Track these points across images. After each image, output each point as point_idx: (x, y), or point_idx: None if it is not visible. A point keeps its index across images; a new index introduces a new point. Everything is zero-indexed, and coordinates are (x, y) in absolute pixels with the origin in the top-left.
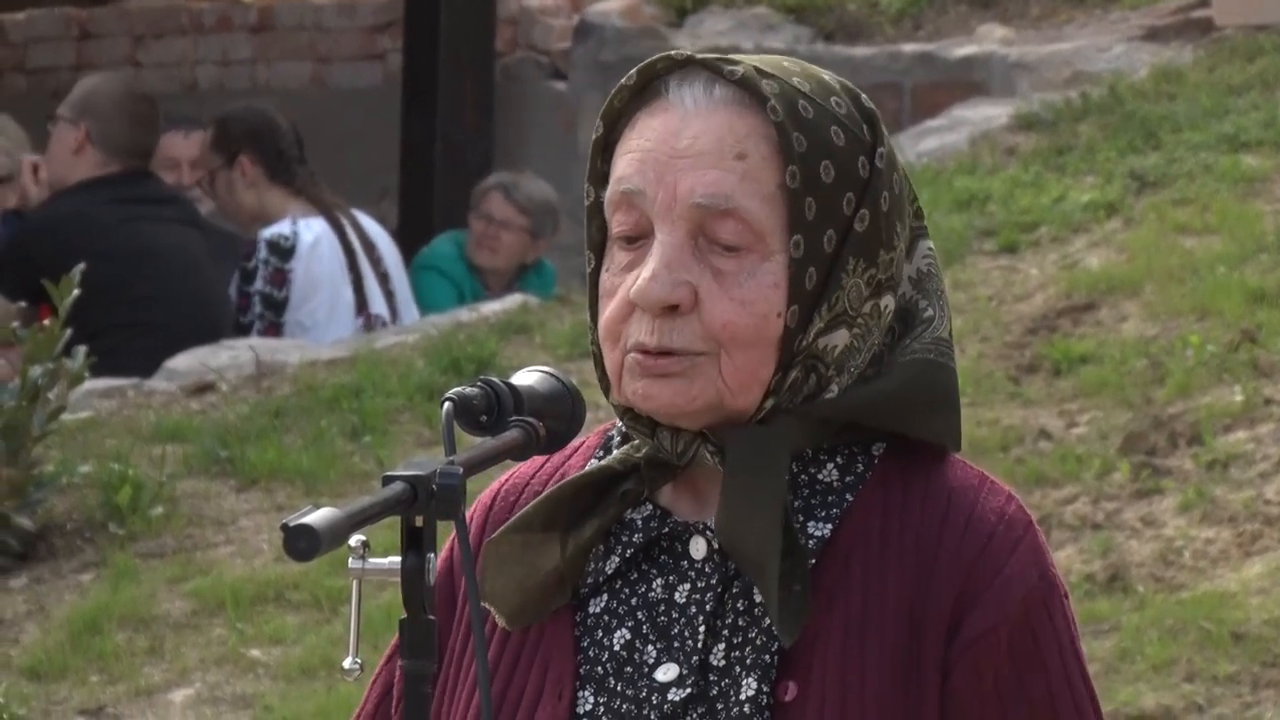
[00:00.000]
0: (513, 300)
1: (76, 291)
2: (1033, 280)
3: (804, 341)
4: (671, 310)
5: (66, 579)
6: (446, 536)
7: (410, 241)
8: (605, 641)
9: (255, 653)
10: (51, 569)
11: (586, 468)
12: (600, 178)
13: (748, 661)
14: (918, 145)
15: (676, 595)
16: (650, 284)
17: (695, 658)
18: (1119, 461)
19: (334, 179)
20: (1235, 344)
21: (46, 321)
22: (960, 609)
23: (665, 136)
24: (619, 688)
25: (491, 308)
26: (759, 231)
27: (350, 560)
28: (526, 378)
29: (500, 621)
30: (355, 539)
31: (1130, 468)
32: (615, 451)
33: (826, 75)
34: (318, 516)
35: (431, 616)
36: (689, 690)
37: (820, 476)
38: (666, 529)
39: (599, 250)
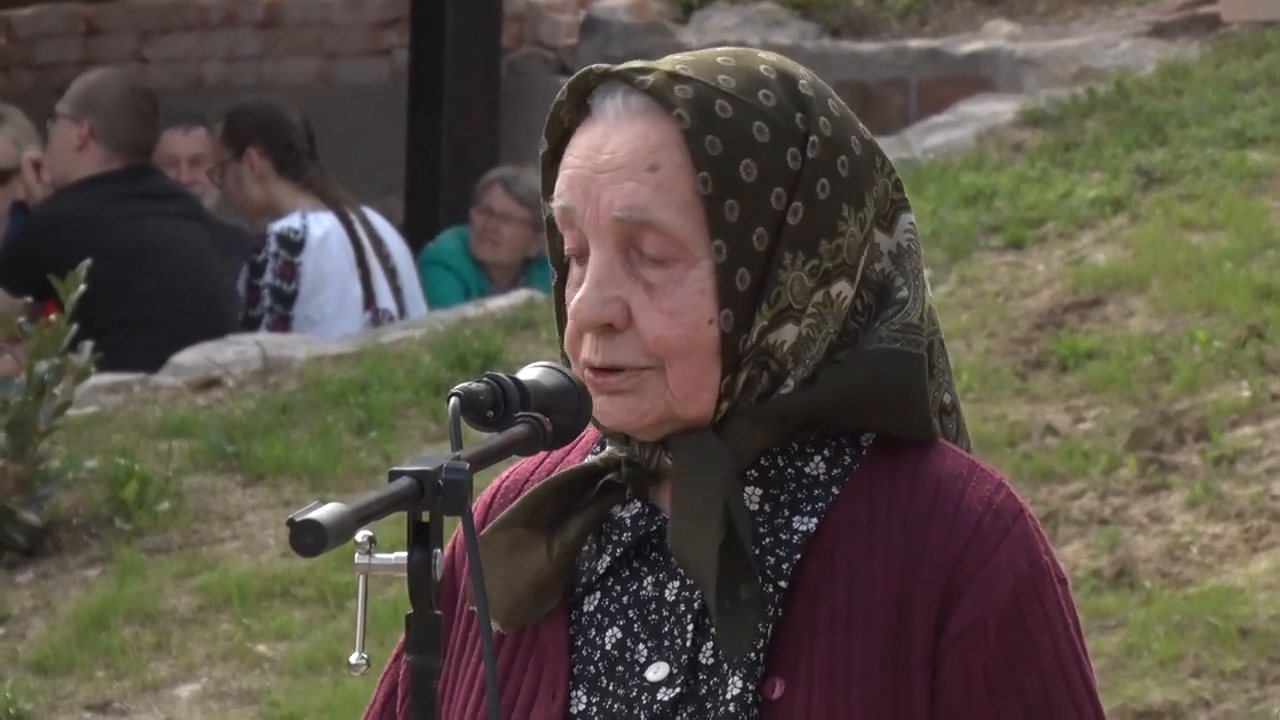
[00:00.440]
0: (518, 295)
1: (83, 287)
2: (1039, 276)
3: (749, 341)
4: (609, 328)
5: (73, 574)
6: (453, 532)
7: (416, 237)
8: (598, 641)
9: (262, 648)
10: (58, 564)
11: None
12: (551, 193)
13: (734, 660)
14: (924, 141)
15: (666, 593)
16: (579, 305)
17: (685, 656)
18: (1126, 457)
19: (340, 175)
20: (1242, 340)
21: (52, 317)
22: (948, 601)
23: (589, 152)
24: (611, 687)
25: (497, 303)
26: (680, 241)
27: (356, 556)
28: (532, 373)
29: (495, 625)
30: (361, 534)
31: (1137, 463)
32: (606, 449)
33: (763, 66)
34: (324, 512)
35: (438, 612)
36: (678, 690)
37: (807, 470)
38: (655, 526)
39: (560, 264)
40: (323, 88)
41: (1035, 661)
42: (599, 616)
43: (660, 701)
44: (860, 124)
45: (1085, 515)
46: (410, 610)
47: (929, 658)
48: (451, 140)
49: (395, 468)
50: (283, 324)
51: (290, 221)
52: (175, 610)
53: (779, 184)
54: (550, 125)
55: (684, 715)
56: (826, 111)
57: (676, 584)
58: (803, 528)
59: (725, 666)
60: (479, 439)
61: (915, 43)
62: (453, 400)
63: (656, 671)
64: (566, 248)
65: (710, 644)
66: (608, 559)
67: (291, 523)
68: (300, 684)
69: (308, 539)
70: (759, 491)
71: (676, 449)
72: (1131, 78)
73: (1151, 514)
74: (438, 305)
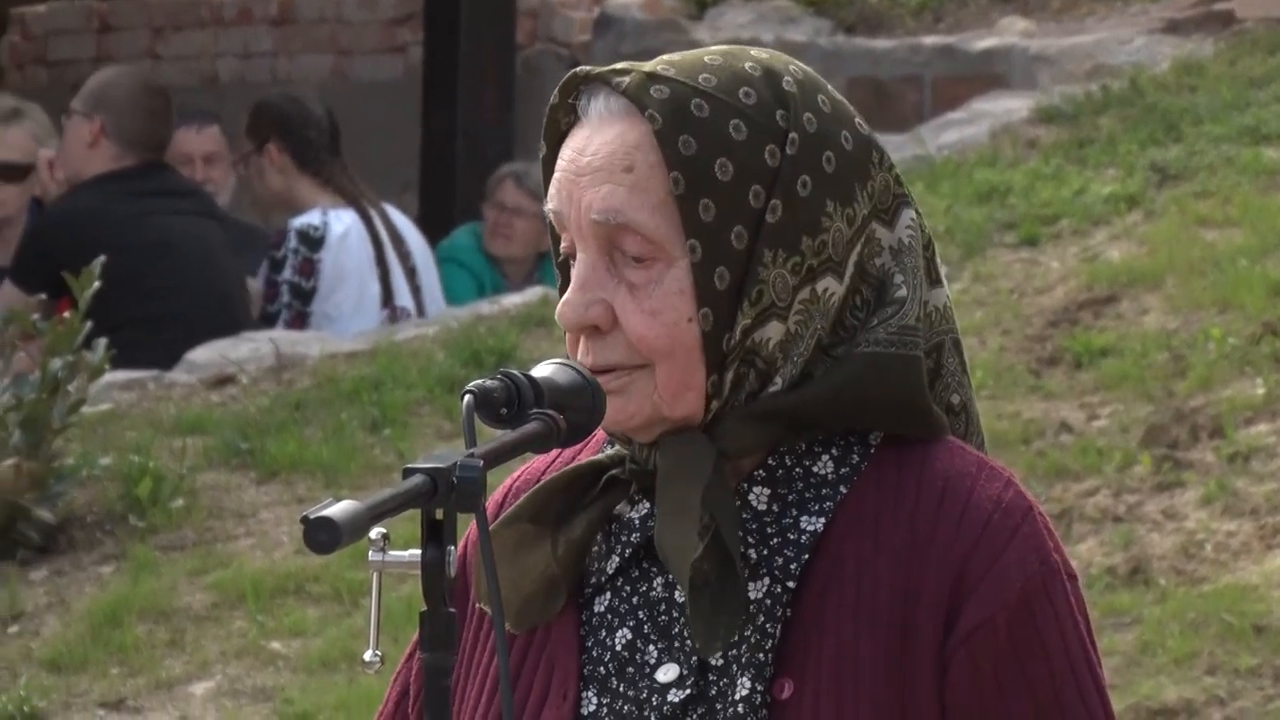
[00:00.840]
0: (533, 293)
1: (97, 284)
2: (1054, 273)
3: (732, 340)
4: (595, 330)
5: (87, 571)
6: (466, 529)
7: (431, 234)
8: (608, 641)
9: (276, 645)
10: (72, 561)
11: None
12: None
13: (743, 660)
14: (938, 138)
15: (676, 594)
16: (563, 309)
17: (694, 658)
18: (1140, 454)
19: (354, 172)
20: (1257, 337)
21: (66, 314)
22: (956, 599)
23: (573, 155)
24: (621, 688)
25: (512, 300)
26: (657, 241)
27: (370, 553)
28: (546, 370)
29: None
30: (375, 531)
31: (1152, 461)
32: (609, 449)
33: (749, 64)
34: (338, 509)
35: (452, 609)
36: (688, 691)
37: (815, 469)
38: None
39: (564, 266)
40: (337, 84)
41: (1045, 660)
42: (609, 617)
43: (670, 703)
44: (857, 119)
45: (1100, 512)
46: (424, 607)
47: (938, 656)
48: (466, 137)
49: (409, 465)
50: (300, 320)
51: (311, 218)
52: (189, 607)
53: (756, 182)
54: (548, 128)
55: (694, 717)
56: (813, 107)
57: None
58: (810, 527)
59: (734, 667)
60: (493, 436)
61: (929, 39)
62: (467, 397)
63: (666, 673)
64: (562, 249)
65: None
66: (617, 559)
67: (305, 520)
68: (314, 681)
69: (322, 536)
70: (767, 491)
71: (663, 449)
72: (1146, 74)
73: (1166, 511)
74: (452, 302)
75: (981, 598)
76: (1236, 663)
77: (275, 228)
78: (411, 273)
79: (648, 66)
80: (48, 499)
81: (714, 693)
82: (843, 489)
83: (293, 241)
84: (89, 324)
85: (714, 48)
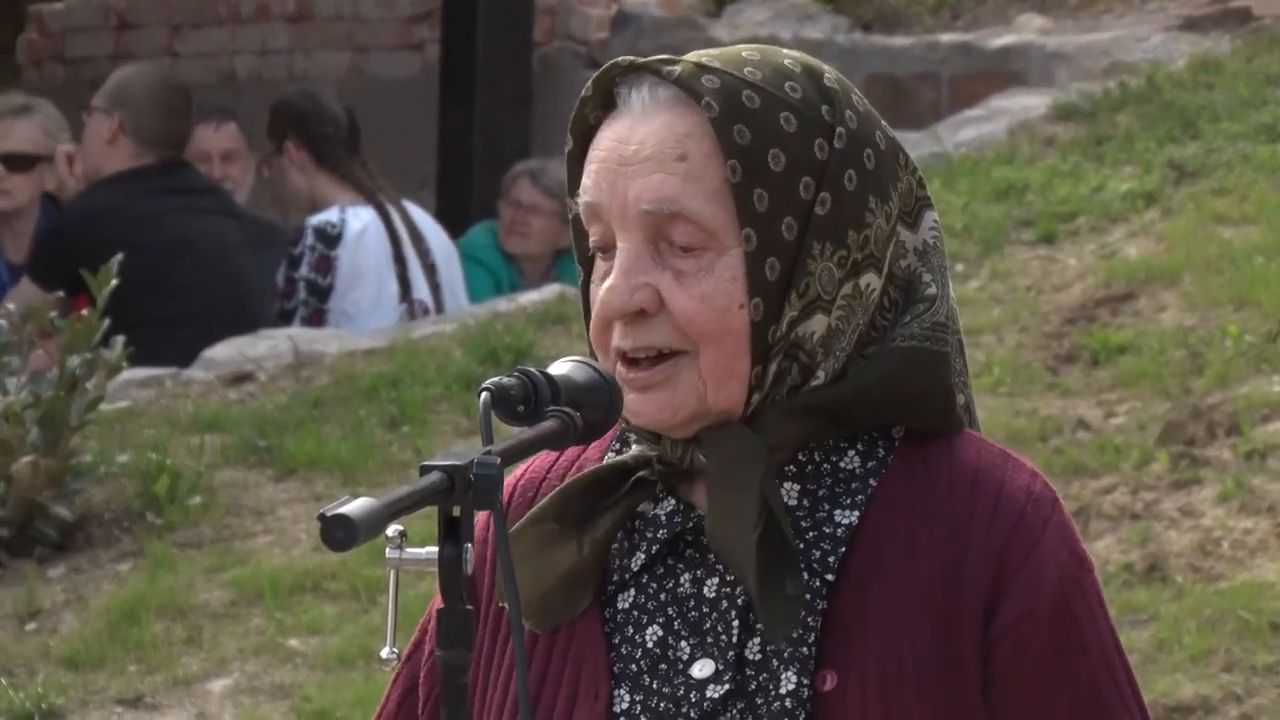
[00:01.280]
0: (550, 290)
1: (115, 281)
2: (1071, 270)
3: (778, 332)
4: (640, 315)
5: (104, 569)
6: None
7: (447, 231)
8: (637, 638)
9: (293, 642)
10: (89, 559)
11: (604, 460)
12: (577, 190)
13: (785, 654)
14: (956, 135)
15: (705, 590)
16: (608, 294)
17: (731, 653)
18: (1157, 452)
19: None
20: (1274, 334)
21: (84, 312)
22: (997, 590)
23: (615, 145)
24: (655, 685)
25: (529, 297)
26: (710, 230)
27: (387, 550)
28: (563, 367)
29: (526, 624)
30: (392, 529)
31: (1169, 458)
32: (633, 448)
33: (788, 60)
34: (355, 506)
35: (469, 606)
36: (727, 686)
37: (842, 464)
38: (691, 524)
39: (587, 262)
40: (354, 82)
41: (1083, 655)
42: (635, 614)
43: (710, 699)
44: (883, 121)
45: (1117, 510)
46: (441, 605)
47: (979, 646)
48: (483, 134)
49: (426, 462)
50: (317, 317)
51: (328, 215)
52: (207, 605)
53: (807, 174)
54: (575, 122)
55: (734, 711)
56: (852, 105)
57: (715, 580)
58: (845, 520)
59: (775, 662)
60: (510, 434)
61: (947, 37)
62: (484, 395)
63: (702, 669)
64: (591, 242)
65: (757, 640)
66: (642, 556)
67: (323, 517)
68: (332, 678)
69: (339, 533)
70: (796, 487)
71: (709, 444)
72: (1163, 72)
73: (1183, 508)
74: (469, 299)
75: (1022, 588)
76: (1253, 660)
77: (294, 225)
78: (431, 269)
79: (692, 57)
80: (65, 496)
81: (753, 687)
82: (872, 482)
83: (309, 238)
84: (107, 321)
85: (745, 45)
